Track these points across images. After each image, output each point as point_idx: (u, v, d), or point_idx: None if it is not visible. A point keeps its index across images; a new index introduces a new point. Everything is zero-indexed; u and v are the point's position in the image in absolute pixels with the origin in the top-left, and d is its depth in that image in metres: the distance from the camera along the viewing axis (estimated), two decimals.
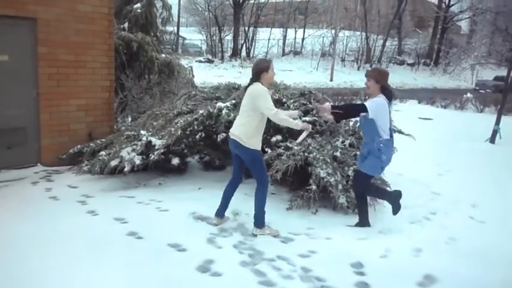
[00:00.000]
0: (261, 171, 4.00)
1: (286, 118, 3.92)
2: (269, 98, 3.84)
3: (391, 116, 4.20)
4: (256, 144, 3.91)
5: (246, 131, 3.87)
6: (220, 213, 4.20)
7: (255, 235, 3.97)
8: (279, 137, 5.18)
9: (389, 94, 4.15)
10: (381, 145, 4.04)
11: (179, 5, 35.05)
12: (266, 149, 5.00)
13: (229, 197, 4.19)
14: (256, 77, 3.93)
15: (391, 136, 4.19)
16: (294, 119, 4.10)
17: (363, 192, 4.32)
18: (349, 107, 4.13)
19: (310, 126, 4.13)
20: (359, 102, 4.15)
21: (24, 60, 5.59)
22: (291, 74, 27.85)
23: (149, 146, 5.03)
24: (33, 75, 5.66)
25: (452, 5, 35.64)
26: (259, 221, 4.02)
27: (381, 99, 4.06)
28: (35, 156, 5.83)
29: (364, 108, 3.99)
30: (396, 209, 4.28)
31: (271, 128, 4.99)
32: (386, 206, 4.71)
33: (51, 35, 5.71)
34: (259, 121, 3.89)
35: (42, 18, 5.59)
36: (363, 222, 4.31)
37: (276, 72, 4.11)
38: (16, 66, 5.54)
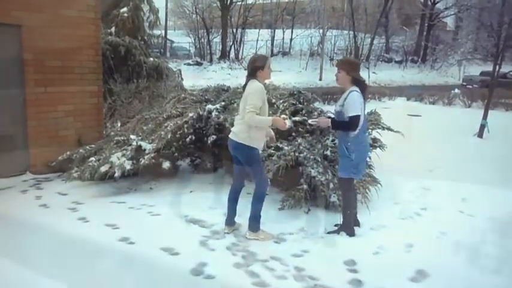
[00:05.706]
0: (260, 172, 3.88)
1: (262, 119, 3.72)
2: (258, 98, 3.67)
3: (364, 109, 4.01)
4: (253, 141, 3.75)
5: (243, 129, 3.74)
6: (230, 221, 4.06)
7: (249, 239, 3.88)
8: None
9: (363, 86, 3.96)
10: (348, 143, 3.88)
11: (166, 8, 34.91)
12: None
13: (235, 204, 4.04)
14: (252, 75, 3.83)
15: (364, 131, 3.97)
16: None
17: (344, 195, 4.12)
18: (348, 126, 3.85)
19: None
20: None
21: (10, 66, 5.52)
22: (280, 74, 27.80)
23: (139, 150, 5.01)
24: (19, 82, 5.59)
25: (438, 2, 35.98)
26: (255, 225, 3.92)
27: (355, 93, 3.84)
28: (23, 164, 5.76)
29: (358, 118, 3.78)
30: (342, 230, 4.06)
31: None
32: (377, 203, 4.75)
33: (37, 41, 5.64)
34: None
35: (26, 25, 5.53)
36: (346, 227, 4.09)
37: (272, 69, 3.96)
38: (1, 73, 5.47)
